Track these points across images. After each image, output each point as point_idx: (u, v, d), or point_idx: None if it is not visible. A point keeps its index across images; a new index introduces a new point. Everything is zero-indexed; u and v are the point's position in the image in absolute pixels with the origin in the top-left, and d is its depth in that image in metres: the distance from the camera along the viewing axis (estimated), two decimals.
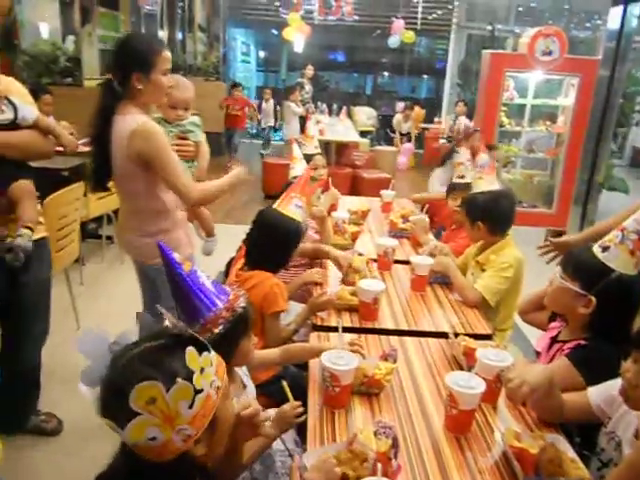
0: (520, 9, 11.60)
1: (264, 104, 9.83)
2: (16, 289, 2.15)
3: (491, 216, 2.32)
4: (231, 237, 4.70)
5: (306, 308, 2.06)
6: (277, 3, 11.65)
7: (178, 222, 2.22)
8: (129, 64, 1.99)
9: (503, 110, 5.35)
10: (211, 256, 3.15)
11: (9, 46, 5.26)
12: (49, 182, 3.77)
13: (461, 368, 1.70)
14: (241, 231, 2.84)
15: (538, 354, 1.74)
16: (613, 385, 1.32)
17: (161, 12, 8.86)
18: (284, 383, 1.42)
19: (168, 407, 0.90)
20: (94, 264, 4.32)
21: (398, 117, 10.27)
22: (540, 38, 5.05)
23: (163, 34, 9.15)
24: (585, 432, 1.48)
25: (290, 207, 2.05)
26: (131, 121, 1.97)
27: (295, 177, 2.64)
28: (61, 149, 2.26)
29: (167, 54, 2.06)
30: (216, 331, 1.24)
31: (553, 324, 1.77)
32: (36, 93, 4.46)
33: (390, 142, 10.56)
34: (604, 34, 5.53)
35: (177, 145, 2.29)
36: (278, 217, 2.05)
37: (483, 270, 2.35)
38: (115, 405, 0.92)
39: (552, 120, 5.61)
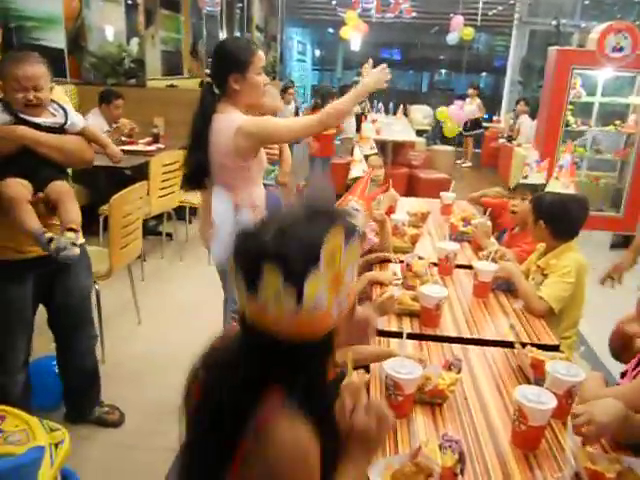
0: (587, 2, 11.12)
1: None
2: (62, 295, 2.19)
3: (555, 218, 2.24)
4: None
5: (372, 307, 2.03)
6: (334, 2, 11.63)
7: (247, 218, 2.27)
8: (226, 66, 2.10)
9: (569, 109, 5.14)
10: None
11: (77, 48, 5.47)
12: (113, 181, 3.94)
13: (528, 380, 1.64)
14: None
15: (623, 375, 1.65)
16: None
17: (220, 13, 9.01)
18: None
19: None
20: (154, 260, 4.44)
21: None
22: (611, 34, 4.83)
23: (222, 34, 9.30)
24: None
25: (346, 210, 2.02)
26: (232, 120, 2.07)
27: (354, 179, 2.62)
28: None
29: (261, 54, 2.15)
30: None
31: None
32: (109, 97, 4.64)
33: (445, 141, 10.36)
34: None
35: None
36: (345, 219, 2.00)
37: (544, 275, 2.27)
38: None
39: (622, 119, 5.34)
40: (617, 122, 5.32)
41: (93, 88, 4.97)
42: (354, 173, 2.72)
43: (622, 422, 1.26)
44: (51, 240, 1.83)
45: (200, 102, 2.15)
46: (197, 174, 2.21)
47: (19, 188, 1.87)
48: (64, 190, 1.98)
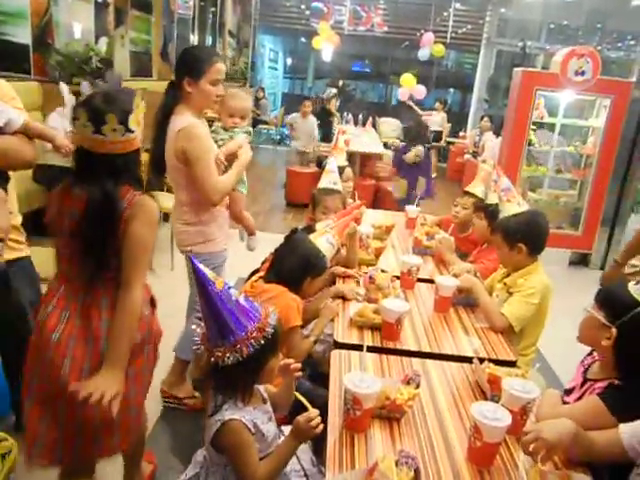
0: (552, 26, 11.50)
1: (300, 120, 7.57)
2: None
3: (532, 236, 2.26)
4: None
5: (321, 314, 2.08)
6: (307, 12, 11.71)
7: (215, 217, 2.43)
8: (182, 69, 2.29)
9: (532, 129, 5.28)
10: (231, 260, 3.18)
11: (43, 45, 5.33)
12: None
13: (485, 396, 1.67)
14: (263, 238, 2.84)
15: (568, 392, 1.69)
16: None
17: (193, 17, 8.95)
18: (297, 394, 1.41)
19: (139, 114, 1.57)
20: None
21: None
22: (573, 58, 4.99)
23: (194, 38, 9.24)
24: (616, 472, 1.42)
25: (321, 239, 2.07)
26: (181, 121, 2.23)
27: (324, 189, 2.67)
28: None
29: (220, 66, 2.30)
30: (246, 351, 1.22)
31: (586, 359, 1.72)
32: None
33: None
34: None
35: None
36: (306, 242, 2.06)
37: (509, 293, 2.31)
38: None
39: (581, 141, 5.52)
40: (577, 143, 5.49)
41: (58, 87, 4.85)
42: (324, 183, 2.74)
43: (572, 440, 1.29)
44: None
45: (161, 101, 2.32)
46: (155, 164, 2.39)
47: None
48: None
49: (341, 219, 2.34)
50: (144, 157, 2.39)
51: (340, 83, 10.40)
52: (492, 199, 2.87)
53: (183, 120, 2.24)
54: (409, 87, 10.04)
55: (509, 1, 10.94)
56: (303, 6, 11.84)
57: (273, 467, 1.37)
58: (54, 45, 5.49)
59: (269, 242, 2.36)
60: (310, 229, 2.36)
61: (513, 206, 2.32)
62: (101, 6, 6.31)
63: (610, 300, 1.55)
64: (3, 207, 1.84)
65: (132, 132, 1.49)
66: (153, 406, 2.63)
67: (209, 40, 10.42)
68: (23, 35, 5.00)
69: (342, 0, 11.18)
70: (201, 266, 1.25)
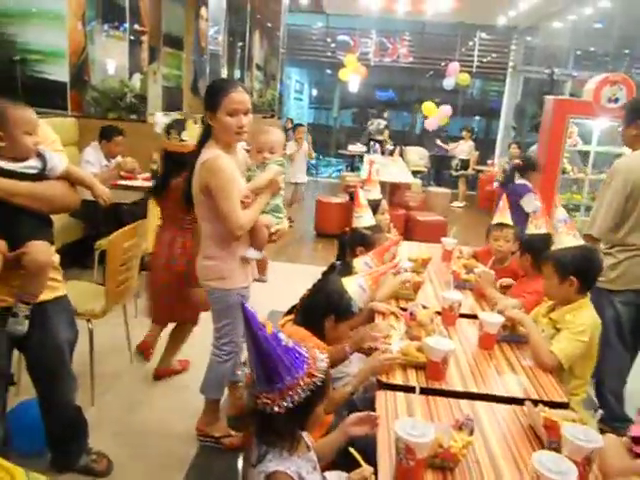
0: (579, 53, 11.45)
1: (295, 148, 7.13)
2: (37, 349, 2.01)
3: (586, 271, 2.19)
4: (282, 275, 4.69)
5: (365, 368, 1.94)
6: (333, 45, 11.90)
7: (236, 254, 2.38)
8: (204, 104, 2.31)
9: (566, 156, 5.20)
10: (264, 292, 3.17)
11: (80, 82, 5.49)
12: (110, 215, 3.90)
13: (540, 441, 1.58)
14: (292, 269, 2.81)
15: (635, 439, 1.59)
16: None
17: (222, 52, 9.16)
18: (352, 450, 1.35)
19: None
20: None
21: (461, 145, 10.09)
22: (607, 85, 4.93)
23: (223, 72, 9.43)
24: None
25: (352, 283, 1.98)
26: (206, 154, 2.26)
27: (368, 227, 2.65)
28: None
29: (235, 96, 2.23)
30: (296, 398, 1.18)
31: None
32: (110, 134, 4.64)
33: (440, 183, 10.48)
34: None
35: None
36: (336, 285, 1.97)
37: (556, 329, 2.22)
38: None
39: None
40: None
41: (94, 122, 4.97)
42: (364, 222, 2.71)
43: None
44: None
45: (198, 136, 2.40)
46: (189, 194, 2.39)
47: None
48: (39, 261, 1.83)
49: (381, 266, 2.28)
50: None
51: (385, 114, 10.53)
52: (530, 229, 2.81)
53: (208, 153, 2.26)
54: (432, 115, 10.08)
55: (535, 29, 10.96)
56: (329, 39, 12.03)
57: None
58: (90, 82, 5.65)
59: (299, 274, 2.34)
60: (348, 266, 2.32)
61: (570, 238, 2.25)
62: (135, 44, 6.50)
63: None
64: (44, 275, 1.88)
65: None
66: (189, 445, 2.59)
67: (237, 74, 10.64)
68: (61, 73, 5.16)
69: (368, 32, 11.34)
70: (250, 309, 1.22)
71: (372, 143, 9.36)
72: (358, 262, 2.27)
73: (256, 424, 1.31)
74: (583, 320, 2.14)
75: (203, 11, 8.00)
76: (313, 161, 10.52)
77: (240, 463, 2.09)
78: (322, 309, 1.92)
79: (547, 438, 1.56)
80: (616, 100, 5.00)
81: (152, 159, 4.98)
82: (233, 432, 2.61)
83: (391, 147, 9.35)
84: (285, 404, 1.19)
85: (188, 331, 3.17)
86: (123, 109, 5.60)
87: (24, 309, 1.83)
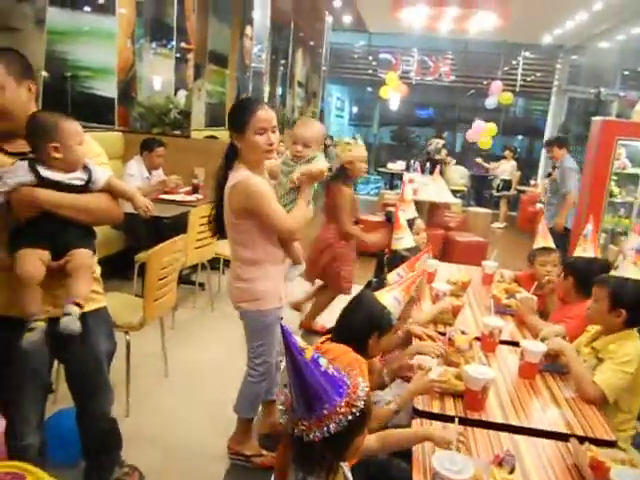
0: (626, 73, 11.16)
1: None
2: (75, 361, 2.03)
3: (638, 308, 2.10)
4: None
5: (411, 388, 1.89)
6: (374, 63, 11.94)
7: (270, 275, 2.38)
8: (229, 126, 2.30)
9: (614, 179, 5.04)
10: (297, 315, 3.14)
11: (127, 98, 5.67)
12: (151, 228, 3.96)
13: None
14: None
15: None
16: None
17: (265, 69, 9.30)
18: None
19: None
20: (186, 309, 4.40)
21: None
22: None
23: (266, 89, 9.58)
24: None
25: (387, 296, 1.95)
26: (234, 177, 2.24)
27: (408, 249, 2.61)
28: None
29: (262, 114, 2.21)
30: (332, 427, 1.14)
31: None
32: (151, 145, 4.75)
33: (481, 203, 10.32)
34: None
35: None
36: (370, 299, 1.95)
37: (598, 359, 2.13)
38: None
39: None
40: None
41: (139, 136, 5.10)
42: (405, 243, 2.68)
43: None
44: (31, 329, 1.73)
45: (222, 157, 2.35)
46: (218, 223, 2.41)
47: (32, 266, 1.73)
48: (83, 264, 1.85)
49: (409, 274, 2.25)
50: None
51: (445, 134, 10.67)
52: (578, 252, 2.72)
53: (237, 175, 2.24)
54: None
55: (581, 48, 10.75)
56: (371, 57, 12.08)
57: None
58: (137, 98, 5.82)
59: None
60: (383, 283, 2.30)
61: (635, 269, 2.16)
62: (181, 61, 6.67)
63: None
64: (89, 275, 1.88)
65: None
66: (220, 462, 2.57)
67: (279, 91, 10.80)
68: (110, 89, 5.33)
69: (410, 51, 11.34)
70: (292, 333, 1.19)
71: (413, 161, 9.31)
72: (391, 276, 2.24)
73: (294, 450, 1.28)
74: (628, 350, 2.04)
75: (248, 30, 8.16)
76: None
77: None
78: (365, 328, 1.89)
79: (593, 479, 1.48)
80: None
81: (194, 174, 5.08)
82: (264, 451, 2.59)
83: (452, 163, 9.52)
84: (323, 432, 1.16)
85: (329, 297, 3.70)
86: (167, 124, 5.72)
87: (76, 310, 1.79)
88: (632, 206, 5.16)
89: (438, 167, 8.47)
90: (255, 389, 2.49)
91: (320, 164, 2.37)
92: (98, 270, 2.09)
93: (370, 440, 1.57)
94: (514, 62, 11.53)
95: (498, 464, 1.45)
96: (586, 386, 2.02)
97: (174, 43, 6.49)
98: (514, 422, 1.82)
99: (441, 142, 10.13)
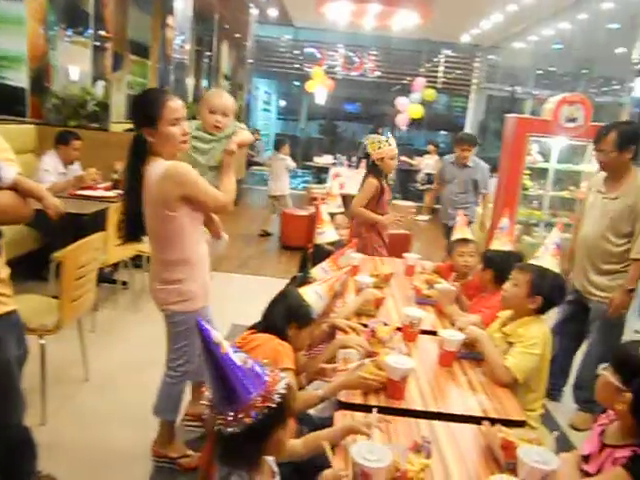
0: (540, 72, 11.80)
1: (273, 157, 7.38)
2: None
3: (552, 298, 2.26)
4: (245, 288, 4.63)
5: (341, 380, 1.91)
6: (301, 57, 11.95)
7: (197, 274, 2.34)
8: (137, 121, 2.21)
9: (526, 173, 5.31)
10: (225, 305, 3.10)
11: (40, 88, 5.36)
12: (68, 225, 3.78)
13: (498, 463, 1.59)
14: (255, 282, 2.78)
15: (585, 458, 1.61)
16: None
17: (189, 61, 9.09)
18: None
19: None
20: (107, 309, 4.24)
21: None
22: (565, 105, 5.06)
23: (190, 82, 9.36)
24: None
25: (309, 290, 2.03)
26: (157, 169, 2.15)
27: (330, 243, 2.64)
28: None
29: (172, 104, 2.18)
30: (248, 421, 1.15)
31: (601, 418, 1.65)
32: (66, 138, 4.52)
33: (407, 196, 10.60)
34: (631, 102, 5.54)
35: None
36: (292, 292, 2.04)
37: (509, 343, 2.25)
38: None
39: (576, 185, 5.56)
40: (572, 188, 5.52)
41: (53, 129, 4.84)
42: (328, 237, 2.70)
43: None
44: None
45: (128, 154, 2.22)
46: (132, 228, 2.31)
47: None
48: None
49: (334, 269, 2.32)
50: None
51: (382, 130, 10.75)
52: (495, 245, 2.84)
53: (159, 166, 2.16)
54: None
55: (497, 48, 11.24)
56: (297, 51, 12.08)
57: None
58: (51, 88, 5.52)
59: (262, 286, 2.33)
60: (307, 277, 2.33)
61: (552, 261, 2.30)
62: (99, 50, 6.39)
63: (624, 362, 1.50)
64: None
65: None
66: (145, 466, 2.51)
67: (204, 83, 10.58)
68: (19, 78, 5.04)
69: (335, 46, 11.44)
70: (207, 327, 1.18)
71: (339, 155, 9.41)
72: (316, 271, 2.28)
73: (217, 446, 1.27)
74: (534, 333, 2.18)
75: (170, 19, 7.93)
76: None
77: None
78: (285, 319, 1.95)
79: (504, 459, 1.56)
80: (574, 119, 5.14)
81: (113, 169, 4.88)
82: (190, 452, 2.55)
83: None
84: (240, 426, 1.16)
85: None
86: (84, 117, 5.47)
87: None
88: (543, 199, 5.47)
89: (364, 161, 8.60)
90: (175, 391, 2.45)
91: (246, 134, 2.47)
92: (6, 272, 1.97)
93: (297, 445, 1.60)
94: (436, 60, 11.89)
95: (416, 451, 1.50)
96: (499, 370, 2.13)
97: (91, 31, 6.20)
98: (432, 409, 1.89)
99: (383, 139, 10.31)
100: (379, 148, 3.92)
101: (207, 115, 2.46)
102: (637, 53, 5.48)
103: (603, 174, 3.22)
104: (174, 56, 8.15)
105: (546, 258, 2.31)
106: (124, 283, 4.58)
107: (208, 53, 10.58)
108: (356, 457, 1.31)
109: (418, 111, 10.12)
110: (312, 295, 2.02)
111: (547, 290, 2.23)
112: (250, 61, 11.63)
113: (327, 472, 1.38)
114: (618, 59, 9.80)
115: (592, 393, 3.32)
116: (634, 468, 1.39)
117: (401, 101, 10.22)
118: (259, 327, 1.98)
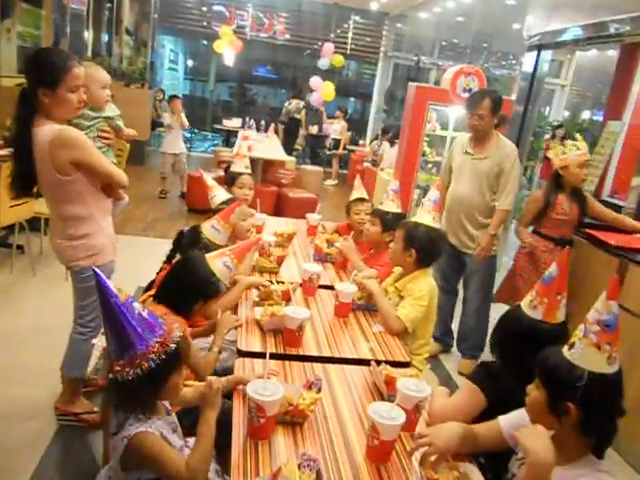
0: (444, 44, 12.22)
1: (169, 119, 7.28)
2: None
3: (425, 250, 2.43)
4: (152, 250, 4.56)
5: (218, 324, 1.99)
6: (209, 15, 11.56)
7: (101, 228, 2.36)
8: (35, 77, 2.13)
9: (425, 140, 5.59)
10: (131, 268, 3.09)
11: None
12: None
13: (382, 396, 1.77)
14: (162, 244, 2.79)
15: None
16: (524, 413, 1.42)
17: (87, 12, 8.53)
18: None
19: None
20: (3, 274, 4.06)
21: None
22: (461, 76, 5.35)
23: (88, 35, 8.81)
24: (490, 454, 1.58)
25: (218, 262, 1.98)
26: (47, 132, 2.10)
27: (224, 203, 2.68)
28: None
29: (77, 71, 2.15)
30: (146, 366, 1.22)
31: None
32: None
33: (315, 161, 10.75)
34: (519, 76, 5.95)
35: (102, 132, 2.49)
36: (202, 265, 1.95)
37: (400, 297, 2.46)
38: None
39: None
40: None
41: None
42: (220, 198, 2.75)
43: (460, 441, 1.43)
44: None
45: (16, 111, 2.14)
46: (22, 184, 2.26)
47: None
48: None
49: (227, 226, 2.34)
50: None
51: (302, 94, 10.73)
52: (390, 207, 2.98)
53: (48, 129, 2.11)
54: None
55: (404, 17, 11.48)
56: (204, 8, 11.66)
57: (200, 451, 1.35)
58: None
59: (168, 250, 2.35)
60: (196, 230, 2.32)
61: (428, 217, 2.46)
62: None
63: (551, 377, 1.32)
64: None
65: None
66: (48, 425, 2.50)
67: (105, 37, 10.00)
68: None
69: (244, 5, 11.17)
70: (104, 277, 1.23)
71: (248, 119, 9.32)
72: (206, 226, 2.30)
73: (113, 393, 1.33)
74: (422, 287, 2.39)
75: None
76: (187, 134, 10.28)
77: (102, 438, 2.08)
78: (193, 295, 1.90)
79: (387, 392, 1.75)
80: (469, 90, 5.45)
81: (6, 125, 4.57)
82: (96, 408, 2.57)
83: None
84: (136, 371, 1.23)
85: None
86: None
87: None
88: (440, 165, 5.78)
89: (272, 126, 8.60)
90: (85, 346, 2.46)
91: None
92: None
93: (187, 392, 1.62)
94: (345, 26, 11.95)
95: (308, 387, 1.65)
96: (391, 320, 2.33)
97: None
98: (327, 354, 2.05)
99: (301, 103, 10.36)
100: (563, 153, 3.28)
101: (99, 90, 2.44)
102: (527, 29, 5.85)
103: (466, 137, 3.58)
104: (71, 6, 7.62)
105: (423, 215, 2.50)
106: (20, 247, 4.38)
107: (108, 5, 9.97)
108: (251, 393, 1.43)
109: (331, 92, 10.23)
110: (221, 266, 1.99)
111: (419, 242, 2.42)
112: (155, 16, 11.08)
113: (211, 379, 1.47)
114: (514, 35, 10.37)
115: (474, 342, 3.79)
116: (476, 376, 1.68)
117: (315, 80, 10.25)
118: (158, 296, 1.89)
